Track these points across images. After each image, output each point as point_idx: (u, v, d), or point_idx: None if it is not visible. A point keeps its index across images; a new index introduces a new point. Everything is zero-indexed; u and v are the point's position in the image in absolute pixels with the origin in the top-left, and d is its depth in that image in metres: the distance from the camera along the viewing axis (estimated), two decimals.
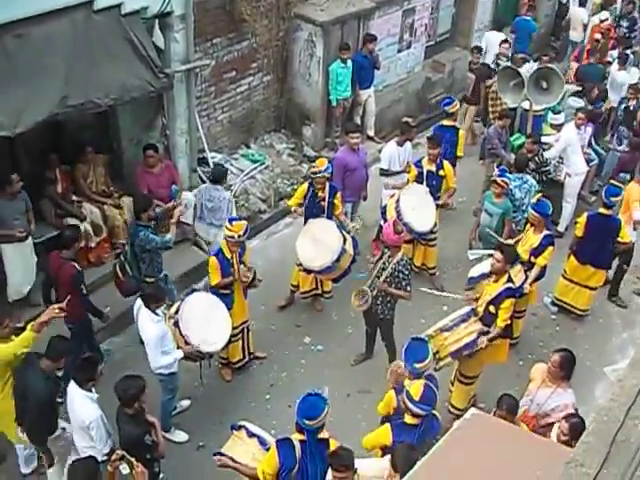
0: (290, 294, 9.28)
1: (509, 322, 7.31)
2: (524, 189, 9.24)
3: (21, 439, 6.55)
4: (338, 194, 8.72)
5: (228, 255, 7.59)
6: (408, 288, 7.63)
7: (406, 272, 7.56)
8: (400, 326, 8.19)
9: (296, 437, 5.37)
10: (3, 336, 6.35)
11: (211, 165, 10.20)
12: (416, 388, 5.62)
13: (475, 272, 7.98)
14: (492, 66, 12.26)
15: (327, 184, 8.56)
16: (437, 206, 9.18)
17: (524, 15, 14.40)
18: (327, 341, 8.91)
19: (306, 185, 8.70)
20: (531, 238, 8.32)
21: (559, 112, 10.55)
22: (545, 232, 8.32)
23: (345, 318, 9.11)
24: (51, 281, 7.61)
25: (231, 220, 7.61)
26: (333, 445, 5.39)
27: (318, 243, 8.15)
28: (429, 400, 5.62)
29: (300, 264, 8.46)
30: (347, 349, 8.73)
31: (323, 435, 5.42)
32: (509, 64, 11.25)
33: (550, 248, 8.26)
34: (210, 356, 7.39)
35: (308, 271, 8.44)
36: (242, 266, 7.66)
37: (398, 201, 8.76)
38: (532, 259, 8.19)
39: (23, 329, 6.41)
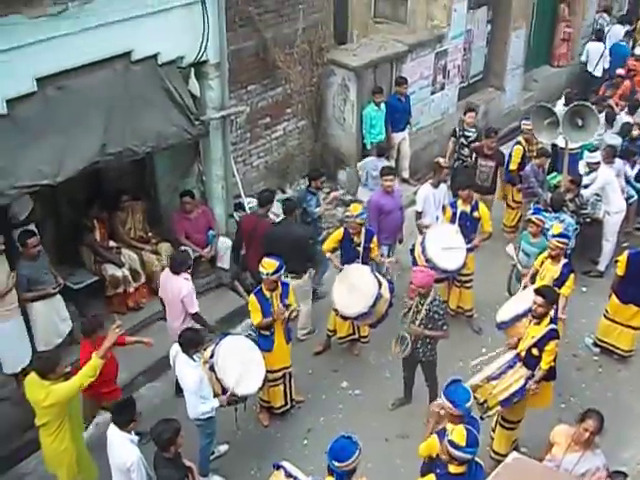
0: (327, 339, 9.18)
1: (553, 364, 7.18)
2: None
3: None
4: (374, 238, 8.68)
5: (267, 294, 7.57)
6: (445, 327, 7.58)
7: (441, 312, 7.52)
8: (438, 369, 8.09)
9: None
10: (59, 378, 6.46)
11: (247, 210, 10.12)
12: (460, 434, 5.48)
13: (506, 315, 7.77)
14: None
15: (363, 229, 8.50)
16: (469, 249, 9.03)
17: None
18: (364, 385, 8.80)
19: (341, 230, 8.62)
20: (550, 270, 8.19)
21: (595, 150, 10.43)
22: (563, 261, 8.20)
23: (382, 362, 9.04)
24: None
25: (266, 255, 7.60)
26: None
27: (354, 289, 8.07)
28: (473, 443, 5.48)
29: (337, 310, 8.36)
30: (385, 393, 8.63)
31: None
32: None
33: (572, 276, 8.16)
34: (245, 399, 7.31)
35: (345, 317, 8.35)
36: (281, 306, 7.61)
37: (424, 237, 8.76)
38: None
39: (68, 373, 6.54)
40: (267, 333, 7.71)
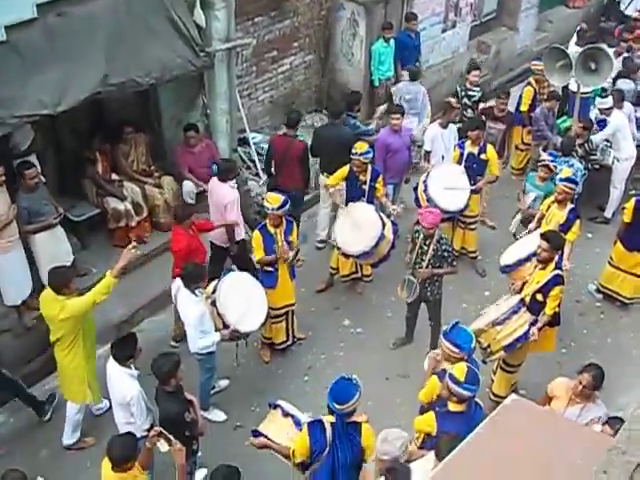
0: (329, 277, 9.17)
1: (557, 310, 7.19)
2: None
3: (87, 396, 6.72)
4: (380, 177, 8.60)
5: (271, 230, 7.55)
6: (454, 263, 7.60)
7: (449, 248, 7.55)
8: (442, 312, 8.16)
9: (328, 419, 5.35)
10: (73, 293, 6.61)
11: (252, 146, 10.07)
12: (460, 369, 5.51)
13: (510, 259, 7.69)
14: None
15: (369, 167, 8.41)
16: (473, 191, 8.90)
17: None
18: (366, 324, 8.83)
19: (347, 167, 8.51)
20: (556, 215, 8.15)
21: (607, 95, 10.22)
22: (570, 206, 8.16)
23: (385, 302, 9.05)
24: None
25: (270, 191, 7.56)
26: (365, 429, 5.37)
27: (357, 228, 8.03)
28: (473, 380, 5.49)
29: (339, 248, 8.34)
30: (386, 333, 8.66)
31: (355, 419, 5.39)
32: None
33: (577, 222, 8.12)
34: (247, 336, 7.33)
35: (347, 255, 8.34)
36: (285, 244, 7.58)
37: (427, 175, 8.68)
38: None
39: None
40: (270, 269, 7.71)
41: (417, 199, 8.86)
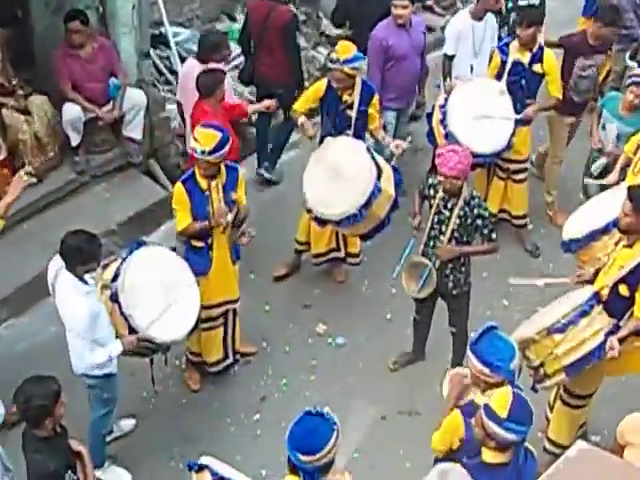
0: (295, 256, 8.62)
1: None
2: None
3: None
4: (375, 98, 7.97)
5: (203, 184, 6.97)
6: (493, 235, 7.01)
7: (485, 213, 6.99)
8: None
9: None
10: None
11: (173, 47, 9.62)
12: (501, 399, 5.01)
13: (578, 229, 7.23)
14: None
15: (358, 82, 7.82)
16: (520, 122, 8.35)
17: None
18: (352, 332, 8.17)
19: (323, 83, 7.96)
20: None
21: None
22: None
23: (381, 296, 8.41)
24: None
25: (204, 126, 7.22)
26: None
27: (337, 177, 7.56)
28: (523, 415, 4.98)
29: (310, 210, 7.73)
30: (384, 345, 8.04)
31: (332, 478, 4.95)
32: None
33: None
34: (167, 348, 6.86)
35: (322, 221, 7.73)
36: (223, 205, 7.10)
37: (448, 97, 8.21)
38: None
39: None
40: (201, 245, 7.13)
41: (431, 134, 8.36)
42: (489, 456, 5.04)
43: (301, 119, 8.11)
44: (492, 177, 8.92)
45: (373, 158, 7.56)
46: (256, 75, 9.26)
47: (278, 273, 8.68)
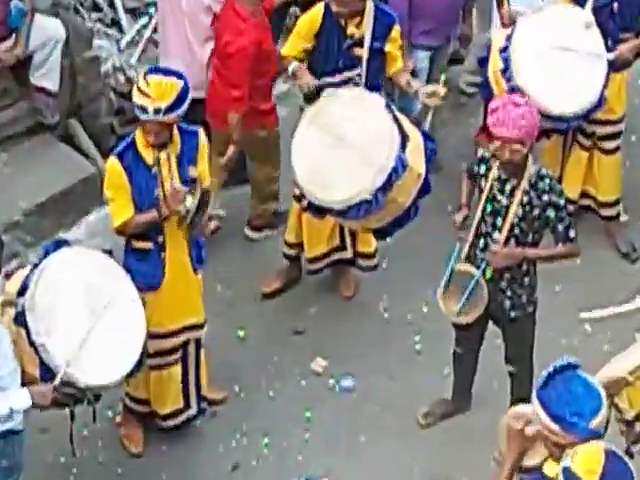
0: (289, 265, 7.85)
1: None
2: None
3: None
4: (395, 30, 7.17)
5: (148, 157, 6.34)
6: (572, 234, 6.34)
7: (561, 201, 6.35)
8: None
9: None
10: None
11: None
12: (590, 459, 4.29)
13: None
14: None
15: (370, 6, 7.11)
16: (611, 63, 7.42)
17: None
18: (364, 370, 7.28)
19: (320, 10, 7.21)
20: None
21: None
22: None
23: (406, 318, 7.51)
24: None
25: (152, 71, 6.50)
26: None
27: (344, 146, 6.87)
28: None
29: (301, 195, 6.98)
30: (410, 389, 7.12)
31: None
32: None
33: None
34: (96, 397, 6.17)
35: (320, 210, 6.96)
36: (178, 183, 6.46)
37: (513, 31, 7.51)
38: None
39: None
40: (148, 247, 6.50)
41: (487, 86, 7.58)
42: None
43: (293, 65, 7.35)
44: (571, 147, 7.99)
45: (395, 119, 6.68)
46: None
47: (268, 288, 7.80)
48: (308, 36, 7.33)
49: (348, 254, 7.65)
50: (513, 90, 7.16)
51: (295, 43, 7.40)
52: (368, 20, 7.17)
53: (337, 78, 7.23)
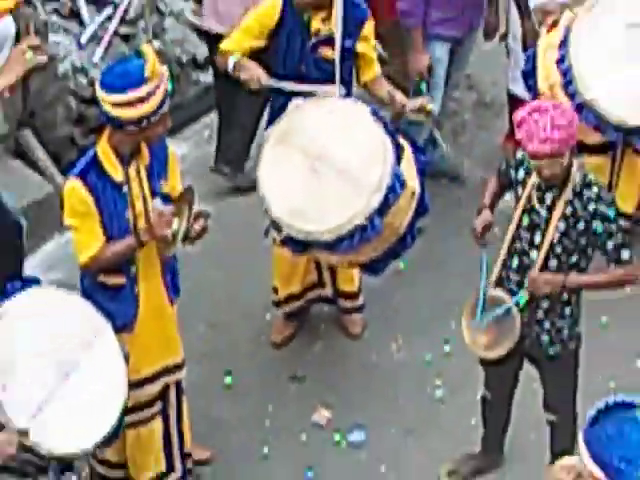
0: (287, 317, 7.03)
1: None
2: None
3: None
4: (369, 25, 6.49)
5: (117, 173, 5.53)
6: (626, 253, 5.53)
7: (612, 212, 5.52)
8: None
9: None
10: None
11: None
12: None
13: None
14: None
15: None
16: None
17: None
18: (375, 422, 6.45)
19: (277, 1, 6.48)
20: None
21: None
22: None
23: (424, 358, 6.78)
24: None
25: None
26: None
27: (327, 167, 6.10)
28: None
29: (278, 227, 6.10)
30: (432, 443, 6.30)
31: None
32: None
33: None
34: (65, 468, 5.53)
35: (303, 245, 6.11)
36: (158, 202, 5.64)
37: (566, 40, 6.48)
38: None
39: None
40: (120, 282, 5.69)
41: (529, 83, 6.67)
42: None
43: (233, 57, 6.37)
44: (622, 157, 7.09)
45: (386, 126, 5.92)
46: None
47: (281, 335, 6.91)
48: (261, 32, 6.42)
49: (327, 292, 6.84)
50: (580, 107, 6.34)
51: (240, 39, 6.43)
52: (337, 11, 6.28)
53: (302, 86, 6.32)
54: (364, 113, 5.95)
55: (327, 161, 5.92)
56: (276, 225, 5.94)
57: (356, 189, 5.78)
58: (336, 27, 6.25)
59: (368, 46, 6.36)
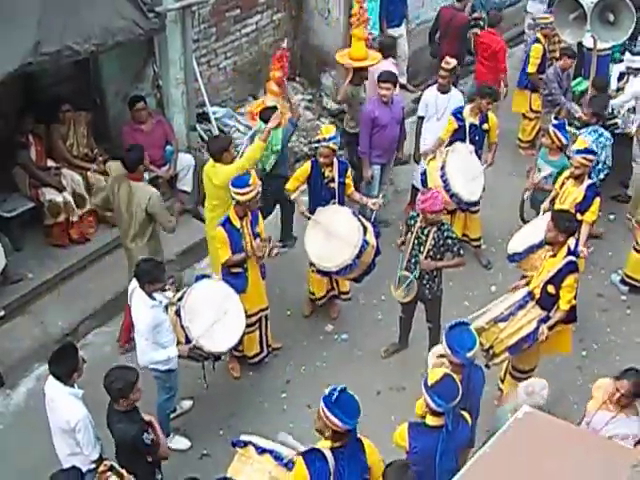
0: (309, 301, 9.00)
1: (574, 303, 7.16)
2: (600, 144, 9.07)
3: None
4: (349, 171, 8.44)
5: (237, 224, 7.46)
6: (461, 252, 7.57)
7: (453, 235, 7.53)
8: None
9: (323, 445, 5.27)
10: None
11: (213, 122, 10.08)
12: (435, 374, 5.55)
13: (519, 245, 7.82)
14: None
15: (335, 161, 8.21)
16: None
17: None
18: (353, 329, 8.78)
19: (309, 164, 8.32)
20: (571, 192, 8.13)
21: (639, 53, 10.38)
22: (587, 182, 8.13)
23: (374, 302, 8.99)
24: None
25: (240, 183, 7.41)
26: (368, 446, 5.38)
27: (331, 237, 7.94)
28: (444, 392, 5.42)
29: (313, 265, 8.23)
30: (377, 338, 8.60)
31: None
32: None
33: (597, 200, 8.08)
34: (216, 358, 7.39)
35: (324, 273, 8.22)
36: (257, 240, 7.57)
37: (444, 167, 8.56)
38: (578, 216, 7.82)
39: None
40: (238, 271, 7.65)
41: (422, 186, 8.77)
42: (429, 419, 5.51)
43: (294, 195, 8.39)
44: (456, 211, 9.21)
45: (359, 220, 7.97)
46: (440, 54, 10.33)
47: (308, 310, 8.93)
48: (302, 179, 8.26)
49: (335, 292, 8.74)
50: (453, 195, 8.47)
51: (294, 183, 8.29)
52: (335, 166, 8.12)
53: (322, 201, 8.15)
54: (348, 213, 7.97)
55: (331, 233, 7.88)
56: (312, 264, 8.15)
57: (346, 247, 7.75)
58: (336, 174, 8.16)
59: (349, 180, 8.33)
